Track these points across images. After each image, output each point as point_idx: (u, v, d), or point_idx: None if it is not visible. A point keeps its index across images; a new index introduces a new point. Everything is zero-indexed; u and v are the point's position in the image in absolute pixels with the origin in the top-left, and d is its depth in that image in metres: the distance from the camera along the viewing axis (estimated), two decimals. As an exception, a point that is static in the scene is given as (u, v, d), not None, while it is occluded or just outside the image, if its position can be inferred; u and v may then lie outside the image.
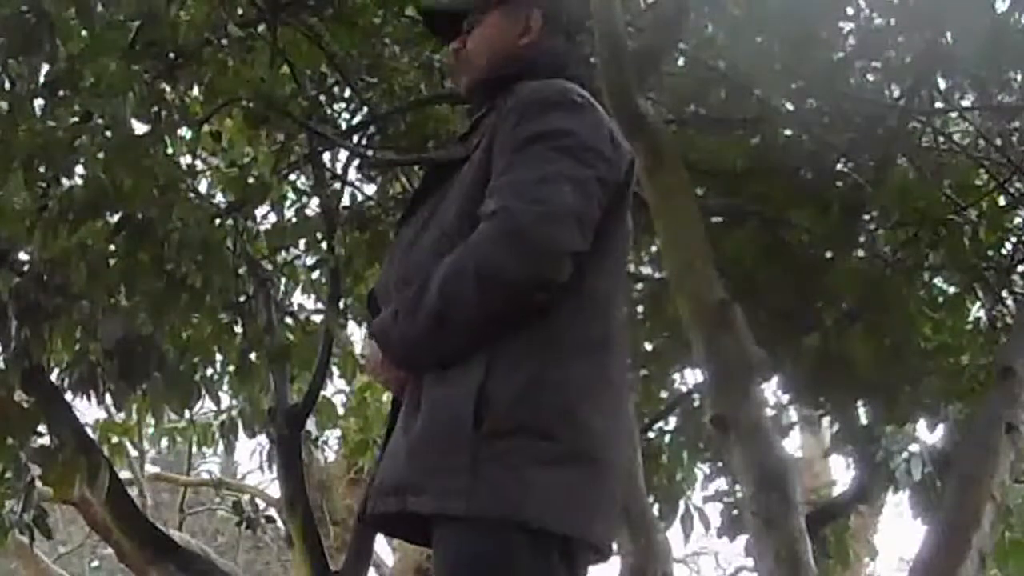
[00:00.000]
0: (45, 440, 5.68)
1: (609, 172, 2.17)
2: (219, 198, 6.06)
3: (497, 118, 2.21)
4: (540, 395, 2.05)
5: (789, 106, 5.63)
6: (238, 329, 5.95)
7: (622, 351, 2.24)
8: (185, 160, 5.77)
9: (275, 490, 10.10)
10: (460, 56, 2.41)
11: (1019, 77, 5.44)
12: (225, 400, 6.75)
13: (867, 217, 5.61)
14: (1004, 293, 5.76)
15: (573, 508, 2.04)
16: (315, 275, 6.43)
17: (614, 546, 2.24)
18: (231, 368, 6.09)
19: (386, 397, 7.61)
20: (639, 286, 6.18)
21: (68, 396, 5.60)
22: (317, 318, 6.51)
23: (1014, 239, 5.76)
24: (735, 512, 6.07)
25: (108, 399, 5.50)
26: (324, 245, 6.09)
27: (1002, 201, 5.74)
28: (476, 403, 2.02)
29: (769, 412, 4.54)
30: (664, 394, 6.47)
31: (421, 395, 2.10)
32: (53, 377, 5.69)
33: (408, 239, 2.25)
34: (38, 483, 5.67)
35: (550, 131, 2.13)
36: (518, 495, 1.99)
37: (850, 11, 5.53)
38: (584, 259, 2.09)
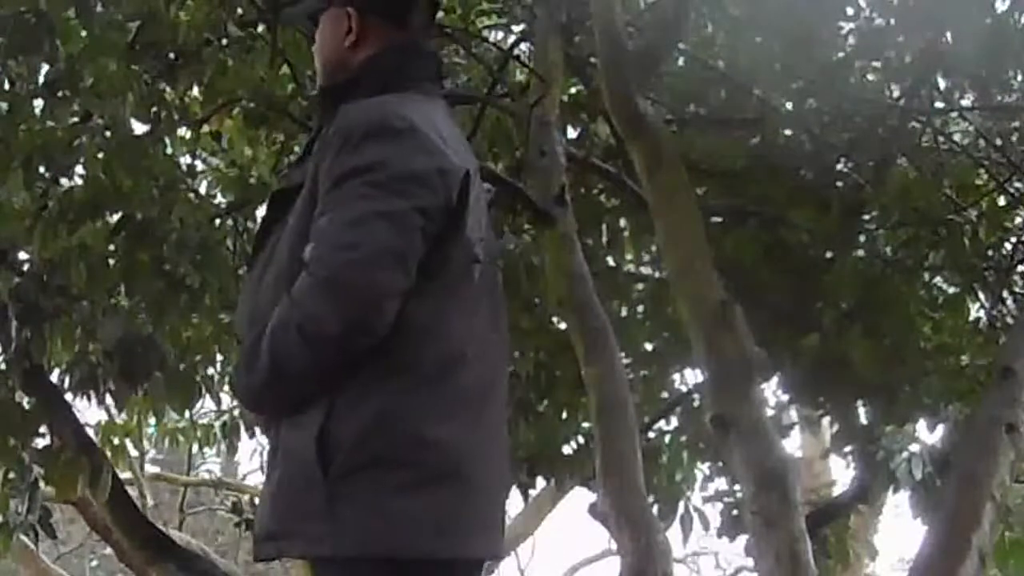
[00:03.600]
0: (46, 441, 5.68)
1: (432, 199, 2.07)
2: (219, 198, 6.06)
3: (321, 146, 2.15)
4: (387, 425, 2.03)
5: (789, 106, 5.63)
6: (238, 329, 5.94)
7: (481, 362, 2.16)
8: (185, 160, 5.77)
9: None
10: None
11: (1019, 77, 5.44)
12: (226, 400, 6.76)
13: (867, 217, 5.61)
14: (1004, 293, 5.76)
15: (442, 529, 2.02)
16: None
17: (501, 552, 2.24)
18: (231, 368, 6.08)
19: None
20: (639, 286, 6.19)
21: (69, 397, 5.60)
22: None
23: (1014, 239, 5.76)
24: (735, 512, 6.07)
25: (108, 399, 5.50)
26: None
27: (1002, 201, 5.74)
28: (319, 446, 2.01)
29: (769, 412, 4.54)
30: (664, 394, 6.47)
31: (278, 442, 2.11)
32: (54, 378, 5.69)
33: (257, 274, 2.21)
34: (41, 484, 5.68)
35: (364, 165, 2.05)
36: (380, 528, 1.98)
37: (850, 11, 5.53)
38: (411, 290, 2.05)
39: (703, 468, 6.49)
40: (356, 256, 2.00)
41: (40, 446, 5.62)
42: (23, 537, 6.04)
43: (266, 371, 2.06)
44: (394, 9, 2.30)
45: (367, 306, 2.00)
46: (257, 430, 6.78)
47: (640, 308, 6.15)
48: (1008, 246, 5.76)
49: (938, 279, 5.86)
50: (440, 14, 5.80)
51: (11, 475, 5.60)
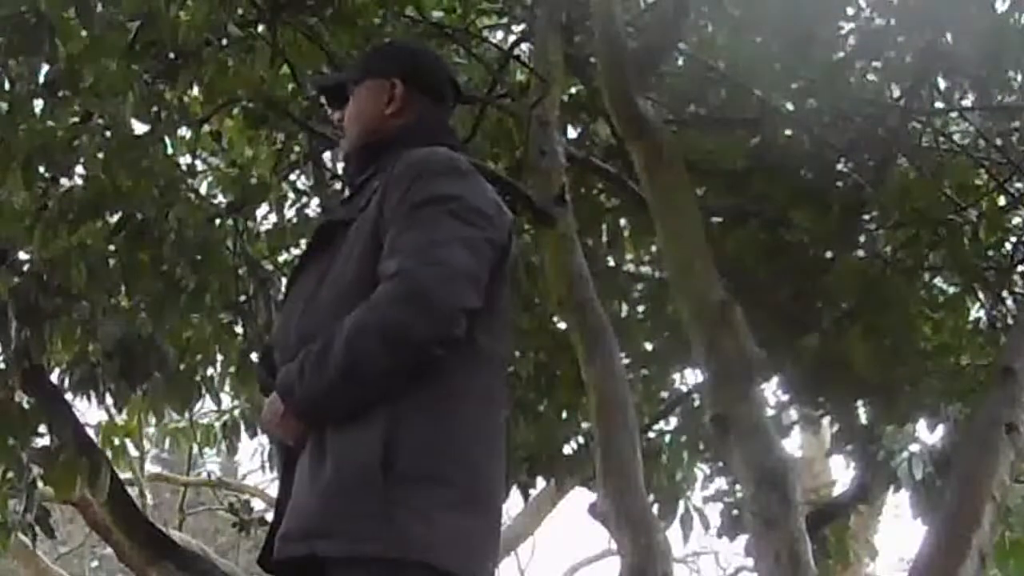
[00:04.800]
0: (46, 440, 5.68)
1: (496, 233, 2.29)
2: (219, 198, 6.06)
3: (384, 182, 2.32)
4: (440, 443, 2.18)
5: (789, 106, 5.63)
6: (238, 329, 5.94)
7: (502, 402, 2.38)
8: (185, 160, 5.77)
9: (275, 490, 10.06)
10: (339, 126, 2.57)
11: (1019, 77, 5.44)
12: (226, 400, 6.76)
13: (867, 217, 5.61)
14: (1004, 293, 5.76)
15: (471, 549, 2.18)
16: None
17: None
18: (231, 368, 6.09)
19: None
20: (639, 286, 6.19)
21: (69, 396, 5.60)
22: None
23: (1014, 239, 5.76)
24: (735, 512, 6.07)
25: (108, 399, 5.50)
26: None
27: (1002, 201, 5.74)
28: (384, 452, 2.13)
29: (769, 412, 4.54)
30: (664, 394, 6.48)
31: (325, 445, 2.20)
32: (53, 377, 5.69)
33: (304, 297, 2.35)
34: (39, 483, 5.67)
35: (440, 195, 2.25)
36: (427, 538, 2.11)
37: (850, 11, 5.53)
38: (474, 316, 2.21)
39: (703, 468, 6.49)
40: (442, 272, 2.16)
41: (39, 446, 5.63)
42: (21, 536, 6.03)
43: (339, 374, 2.17)
44: (434, 87, 2.54)
45: (447, 317, 2.16)
46: (258, 429, 6.80)
47: (640, 308, 6.15)
48: (1008, 246, 5.76)
49: (938, 279, 5.86)
50: (440, 14, 5.82)
51: (9, 475, 5.60)
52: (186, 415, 7.15)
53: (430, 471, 2.15)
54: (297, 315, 2.34)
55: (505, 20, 6.21)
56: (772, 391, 5.91)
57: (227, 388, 6.39)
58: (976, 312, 5.86)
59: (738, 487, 5.44)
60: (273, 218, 6.54)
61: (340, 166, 6.38)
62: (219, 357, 6.03)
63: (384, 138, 2.45)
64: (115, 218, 5.05)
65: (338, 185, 6.29)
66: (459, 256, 2.18)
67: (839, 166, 5.67)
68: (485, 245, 2.24)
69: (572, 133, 5.87)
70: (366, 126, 2.49)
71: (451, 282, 2.16)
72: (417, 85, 2.50)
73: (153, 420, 7.77)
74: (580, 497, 7.41)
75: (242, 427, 6.93)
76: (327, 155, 6.26)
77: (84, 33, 4.69)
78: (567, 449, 6.27)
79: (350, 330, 2.16)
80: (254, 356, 5.95)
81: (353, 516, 2.11)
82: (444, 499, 2.14)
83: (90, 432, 6.25)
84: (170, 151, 5.32)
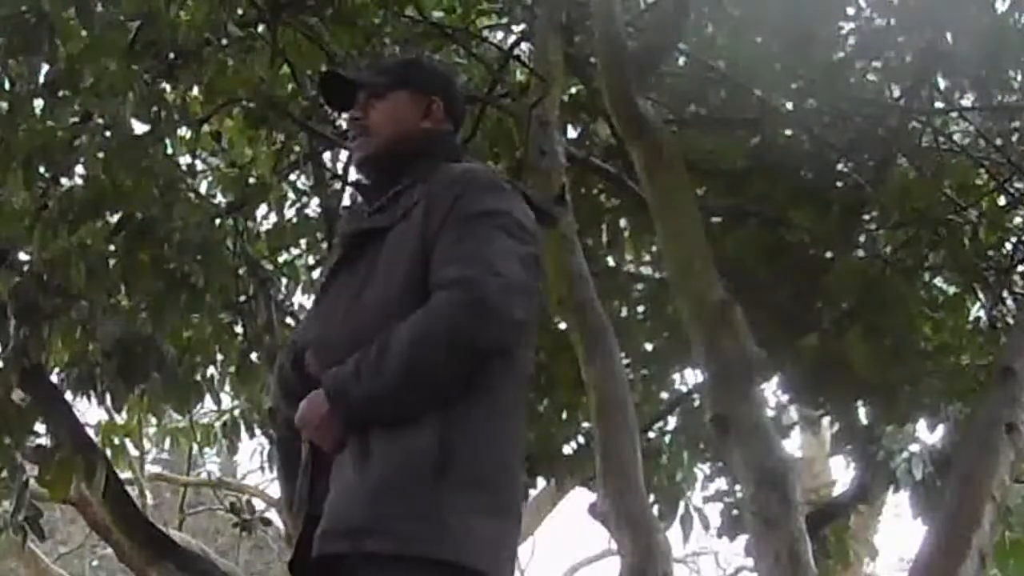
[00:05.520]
0: (43, 440, 5.68)
1: (537, 249, 2.37)
2: (219, 198, 6.06)
3: (427, 194, 2.36)
4: (487, 450, 2.25)
5: (789, 106, 5.63)
6: (238, 329, 5.95)
7: (524, 409, 2.45)
8: (185, 160, 5.77)
9: (275, 490, 10.12)
10: (358, 124, 2.57)
11: (1019, 77, 5.45)
12: (226, 400, 6.76)
13: (867, 217, 5.61)
14: (1004, 293, 5.76)
15: (503, 552, 2.26)
16: (315, 275, 6.43)
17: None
18: (232, 368, 6.09)
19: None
20: (639, 286, 6.19)
21: (68, 396, 5.60)
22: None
23: (1014, 239, 5.76)
24: (735, 512, 6.07)
25: (108, 399, 5.50)
26: (324, 245, 6.10)
27: (1002, 201, 5.75)
28: (440, 455, 2.18)
29: (769, 412, 4.54)
30: (664, 394, 6.47)
31: (370, 446, 2.23)
32: (53, 377, 5.69)
33: (345, 300, 2.37)
34: (33, 483, 5.67)
35: (491, 210, 2.32)
36: (466, 540, 2.17)
37: (850, 11, 5.54)
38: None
39: (703, 468, 6.49)
40: (504, 282, 2.23)
41: (36, 444, 5.62)
42: (13, 536, 6.02)
43: (398, 377, 2.20)
44: (458, 114, 2.65)
45: (510, 329, 2.24)
46: (258, 430, 6.80)
47: (640, 308, 6.15)
48: (1008, 246, 5.76)
49: (938, 279, 5.86)
50: (440, 14, 5.83)
51: (3, 474, 5.59)
52: (186, 415, 7.15)
53: (476, 476, 2.21)
54: (340, 318, 2.36)
55: (505, 20, 6.21)
56: (772, 391, 5.92)
57: (227, 388, 6.40)
58: (976, 312, 5.86)
59: (738, 487, 5.43)
60: (273, 218, 6.55)
61: (341, 164, 6.39)
62: (219, 357, 6.03)
63: (413, 149, 2.50)
64: (115, 218, 5.05)
65: (338, 185, 6.30)
66: (516, 270, 2.24)
67: (839, 166, 5.68)
68: (533, 260, 2.31)
69: (572, 133, 5.87)
70: (401, 133, 2.53)
71: (512, 294, 2.22)
72: (449, 110, 2.59)
73: (153, 420, 7.78)
74: (580, 497, 7.42)
75: (242, 427, 6.93)
76: (327, 155, 6.27)
77: (84, 33, 4.69)
78: (567, 449, 6.27)
79: (411, 335, 2.21)
80: (254, 356, 5.96)
81: (404, 516, 2.16)
82: (484, 503, 2.20)
83: (90, 432, 6.26)
84: (170, 151, 5.32)
